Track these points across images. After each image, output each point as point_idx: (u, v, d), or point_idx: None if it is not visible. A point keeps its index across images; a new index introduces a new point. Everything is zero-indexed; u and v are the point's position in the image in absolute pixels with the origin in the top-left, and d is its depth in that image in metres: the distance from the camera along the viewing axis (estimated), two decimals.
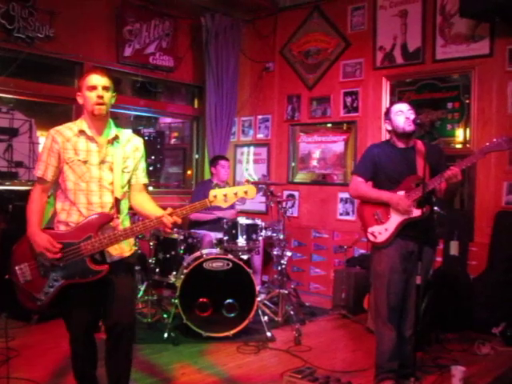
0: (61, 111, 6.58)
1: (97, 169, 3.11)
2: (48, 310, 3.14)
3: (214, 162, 6.55)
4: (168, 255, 5.36)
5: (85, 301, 3.13)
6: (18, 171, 6.08)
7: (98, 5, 6.43)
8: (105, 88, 3.07)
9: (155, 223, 3.03)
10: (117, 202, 3.14)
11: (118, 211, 3.15)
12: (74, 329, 3.21)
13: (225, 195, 3.02)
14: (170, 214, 2.99)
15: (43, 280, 3.02)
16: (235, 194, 3.03)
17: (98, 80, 3.08)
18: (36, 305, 3.07)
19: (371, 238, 3.78)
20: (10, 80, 5.80)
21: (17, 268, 3.06)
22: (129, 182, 3.24)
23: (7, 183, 5.96)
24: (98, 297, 3.15)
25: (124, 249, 3.18)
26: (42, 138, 6.24)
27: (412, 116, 3.74)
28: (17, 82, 5.88)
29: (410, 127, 3.73)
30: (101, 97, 3.05)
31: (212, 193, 3.02)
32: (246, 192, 3.04)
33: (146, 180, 3.34)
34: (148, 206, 3.23)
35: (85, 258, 2.98)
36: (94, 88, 3.06)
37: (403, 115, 3.76)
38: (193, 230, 5.91)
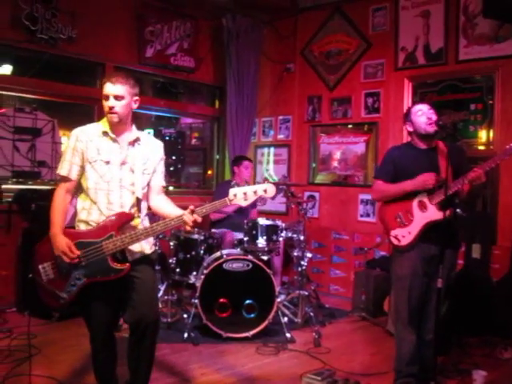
0: (83, 111, 6.63)
1: (118, 169, 3.14)
2: (68, 309, 3.17)
3: (237, 161, 6.53)
4: (188, 255, 5.37)
5: (105, 300, 3.16)
6: (40, 171, 6.14)
7: (120, 6, 6.49)
8: (117, 97, 3.06)
9: (176, 222, 3.05)
10: (138, 202, 3.17)
11: (139, 211, 3.18)
12: (93, 327, 3.24)
13: (244, 193, 3.05)
14: (191, 213, 3.00)
15: (65, 278, 3.06)
16: (255, 192, 3.06)
17: (109, 89, 3.07)
18: (59, 303, 3.10)
19: (395, 241, 3.74)
20: (33, 80, 5.88)
21: (40, 267, 3.09)
22: (148, 183, 3.27)
23: (30, 182, 6.03)
24: (118, 295, 3.18)
25: (144, 246, 3.21)
26: (65, 138, 6.29)
27: (434, 116, 3.70)
28: (40, 82, 5.96)
29: (432, 128, 3.68)
30: (111, 107, 3.06)
31: (232, 191, 3.05)
32: (265, 190, 3.06)
33: (164, 183, 3.38)
34: (167, 207, 3.26)
35: (106, 257, 3.02)
36: (106, 97, 3.09)
37: (424, 115, 3.71)
38: (213, 230, 5.92)
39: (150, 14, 6.72)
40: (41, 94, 6.14)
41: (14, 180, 5.94)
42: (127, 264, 3.06)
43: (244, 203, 3.06)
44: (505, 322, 5.04)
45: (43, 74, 5.93)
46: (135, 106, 3.18)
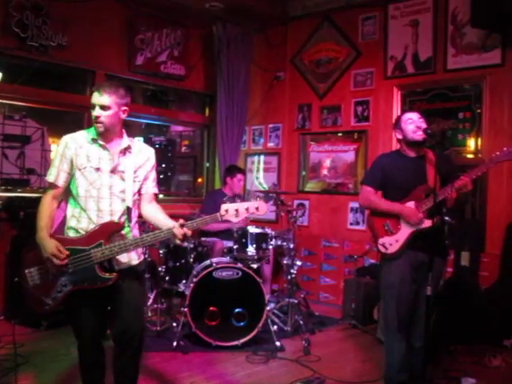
0: (73, 119, 6.63)
1: (108, 176, 3.13)
2: (56, 317, 3.15)
3: (231, 172, 6.51)
4: (178, 263, 5.37)
5: (92, 307, 3.14)
6: (29, 178, 6.11)
7: (111, 14, 6.49)
8: (103, 107, 3.06)
9: (166, 234, 3.05)
10: (129, 210, 3.16)
11: (130, 220, 3.17)
12: (80, 335, 3.22)
13: (236, 210, 3.07)
14: (181, 226, 3.00)
15: (52, 284, 3.03)
16: (246, 209, 3.09)
17: (95, 99, 3.07)
18: (43, 308, 3.08)
19: (382, 249, 3.76)
20: (22, 88, 5.86)
21: (26, 271, 3.07)
22: (139, 191, 3.26)
23: (19, 190, 6.00)
24: (106, 304, 3.16)
25: (132, 257, 3.19)
26: (54, 146, 6.27)
27: (423, 125, 3.72)
28: (29, 89, 5.94)
29: (419, 136, 3.70)
30: (97, 117, 3.07)
31: (224, 207, 3.07)
32: (257, 208, 3.10)
33: (155, 190, 3.35)
34: (159, 216, 3.24)
35: (94, 265, 3.00)
36: (93, 106, 3.09)
37: (414, 124, 3.74)
38: (203, 238, 5.91)
39: (141, 21, 6.73)
40: (31, 102, 6.12)
41: (3, 187, 5.91)
42: (114, 273, 3.04)
43: (235, 219, 3.09)
44: (494, 330, 5.06)
45: (33, 81, 5.92)
46: (124, 116, 3.16)
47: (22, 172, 6.07)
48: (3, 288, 5.48)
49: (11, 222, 5.50)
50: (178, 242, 3.06)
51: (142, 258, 3.33)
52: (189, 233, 3.02)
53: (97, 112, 3.07)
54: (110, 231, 3.05)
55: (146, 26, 6.76)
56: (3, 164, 5.91)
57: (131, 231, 3.18)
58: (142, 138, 8.16)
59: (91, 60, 6.31)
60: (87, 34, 6.19)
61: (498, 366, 4.61)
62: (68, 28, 5.95)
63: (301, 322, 5.32)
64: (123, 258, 3.13)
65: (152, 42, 6.82)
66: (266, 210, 3.13)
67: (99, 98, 3.06)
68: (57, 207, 3.17)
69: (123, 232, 3.11)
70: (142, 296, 3.39)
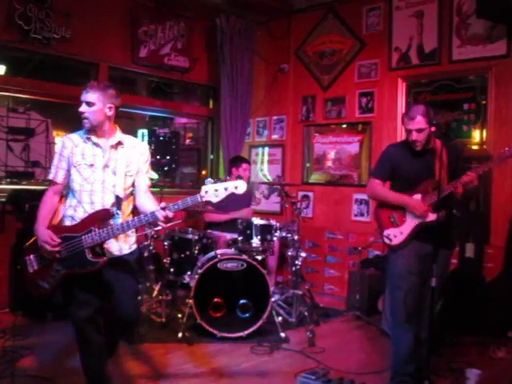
0: (76, 112, 6.58)
1: (101, 172, 3.32)
2: (61, 309, 3.26)
3: (236, 163, 6.51)
4: (183, 255, 5.38)
5: (86, 287, 3.28)
6: (34, 171, 6.12)
7: (114, 6, 6.47)
8: (88, 104, 3.27)
9: (150, 217, 3.18)
10: (118, 200, 3.30)
11: (119, 208, 3.31)
12: (76, 320, 3.32)
13: (216, 190, 3.10)
14: (163, 209, 3.10)
15: (47, 270, 3.26)
16: (226, 188, 3.11)
17: (82, 95, 3.31)
18: (39, 291, 3.30)
19: (386, 240, 3.77)
20: (26, 80, 5.86)
21: (26, 258, 3.32)
22: (133, 184, 3.42)
23: (24, 183, 6.02)
24: (100, 291, 3.32)
25: (122, 246, 3.37)
26: (58, 138, 6.27)
27: (418, 138, 3.66)
28: (33, 82, 5.94)
29: (417, 148, 3.71)
30: (82, 113, 3.29)
31: (204, 188, 3.12)
32: (236, 187, 3.11)
33: (148, 182, 3.49)
34: (148, 204, 3.37)
35: (84, 250, 3.18)
36: (80, 103, 3.30)
37: (410, 136, 3.70)
38: (208, 231, 5.92)
39: (144, 14, 6.71)
40: (34, 94, 6.12)
41: (8, 180, 5.93)
42: (104, 257, 3.21)
43: (215, 199, 3.12)
44: (498, 322, 5.06)
45: (37, 74, 5.92)
46: (110, 113, 3.33)
47: (27, 165, 6.08)
48: (9, 280, 5.50)
49: (16, 214, 5.51)
50: (162, 224, 3.18)
51: (134, 248, 3.47)
52: (170, 215, 3.11)
53: (82, 108, 3.30)
54: (100, 218, 3.22)
55: (150, 19, 6.74)
56: (8, 157, 5.92)
57: (121, 220, 3.30)
58: (146, 131, 8.19)
59: (95, 52, 6.30)
60: (91, 27, 6.18)
61: (503, 357, 4.61)
62: (71, 20, 5.93)
63: (305, 314, 5.34)
64: (114, 247, 3.31)
65: (155, 35, 6.81)
66: (244, 188, 3.12)
67: (85, 95, 3.30)
68: (59, 201, 3.41)
69: (112, 221, 3.25)
70: (133, 285, 3.46)
